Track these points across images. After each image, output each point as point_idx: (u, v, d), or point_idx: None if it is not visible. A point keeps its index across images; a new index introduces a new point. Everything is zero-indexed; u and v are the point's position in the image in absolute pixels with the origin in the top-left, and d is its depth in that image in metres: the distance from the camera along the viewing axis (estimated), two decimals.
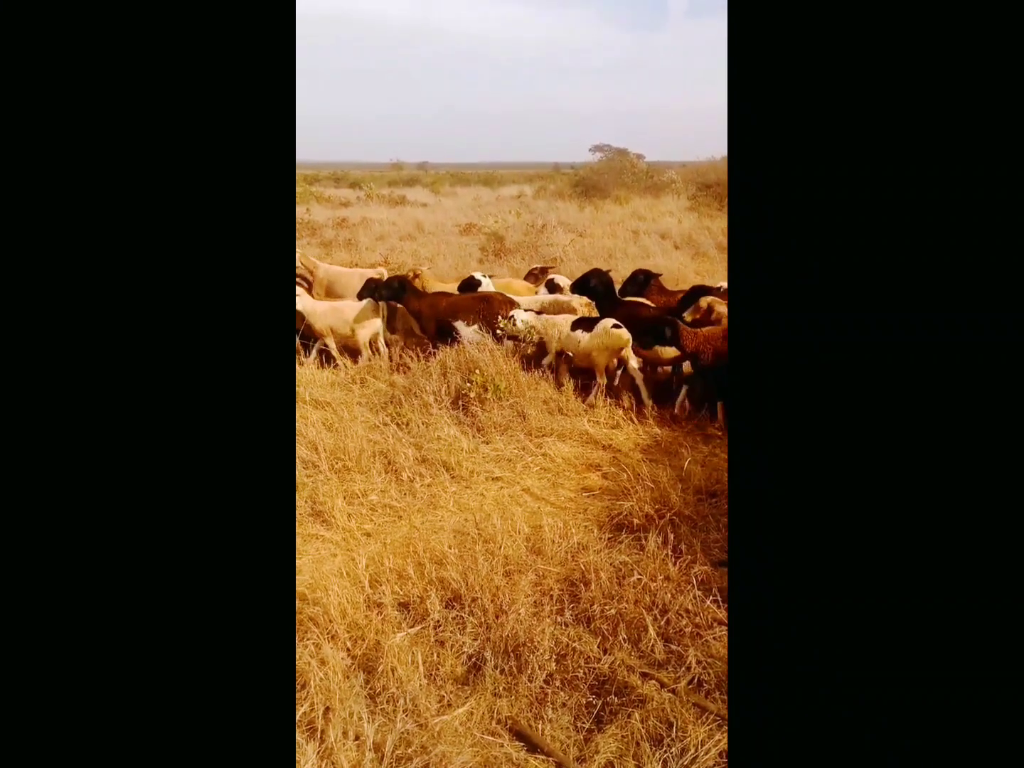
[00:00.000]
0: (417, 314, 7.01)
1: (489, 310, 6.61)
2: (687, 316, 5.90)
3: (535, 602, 3.26)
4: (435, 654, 3.01)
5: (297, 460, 4.53)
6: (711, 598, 3.16)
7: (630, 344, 5.91)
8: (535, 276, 8.55)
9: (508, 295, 7.08)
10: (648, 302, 6.64)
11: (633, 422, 5.60)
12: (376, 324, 7.20)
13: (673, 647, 2.96)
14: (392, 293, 6.97)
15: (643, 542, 3.69)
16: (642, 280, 6.88)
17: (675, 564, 3.44)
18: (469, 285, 7.65)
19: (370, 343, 7.24)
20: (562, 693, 2.78)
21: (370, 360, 7.09)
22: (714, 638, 2.95)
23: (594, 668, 2.88)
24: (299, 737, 2.49)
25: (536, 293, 7.72)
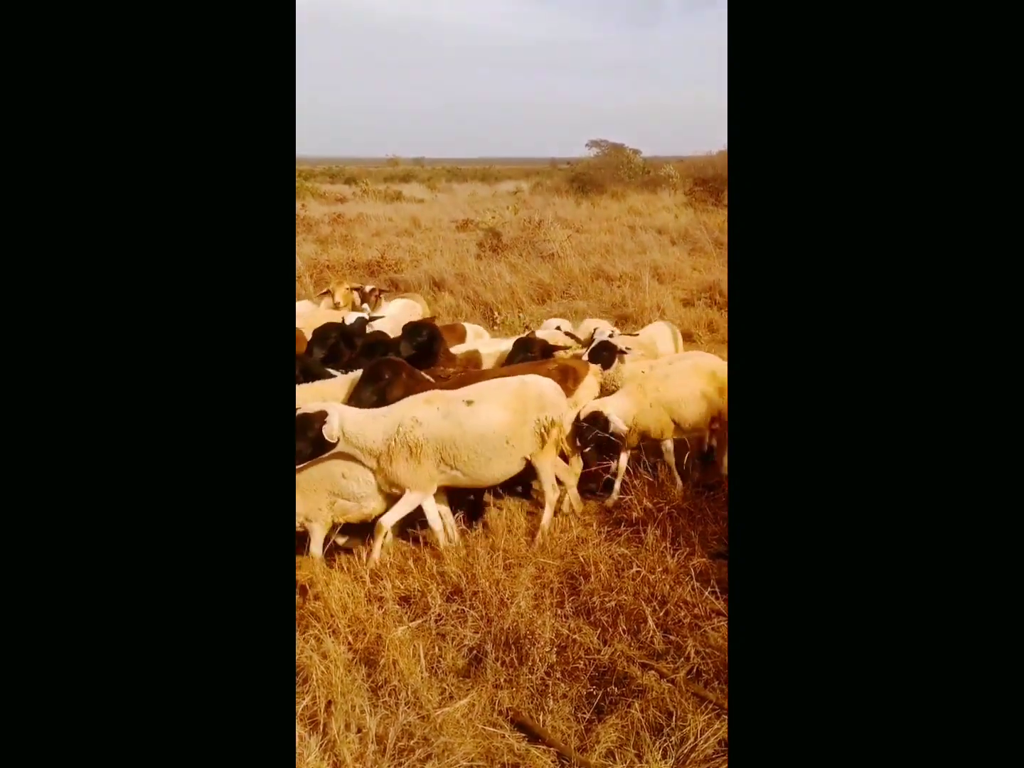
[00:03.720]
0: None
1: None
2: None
3: (535, 595, 3.29)
4: (436, 647, 3.04)
5: None
6: (709, 589, 3.18)
7: None
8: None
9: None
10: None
11: None
12: None
13: (672, 638, 2.98)
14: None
15: (642, 535, 3.71)
16: (425, 339, 4.76)
17: (673, 556, 3.46)
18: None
19: None
20: (562, 684, 2.80)
21: None
22: (712, 628, 2.97)
23: (594, 659, 2.90)
24: (302, 730, 2.51)
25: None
